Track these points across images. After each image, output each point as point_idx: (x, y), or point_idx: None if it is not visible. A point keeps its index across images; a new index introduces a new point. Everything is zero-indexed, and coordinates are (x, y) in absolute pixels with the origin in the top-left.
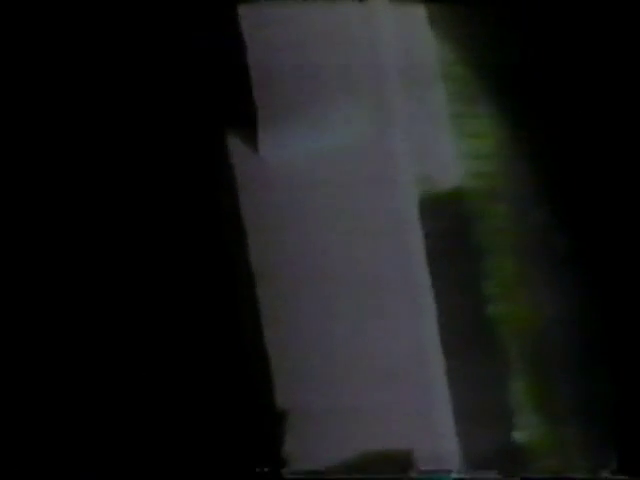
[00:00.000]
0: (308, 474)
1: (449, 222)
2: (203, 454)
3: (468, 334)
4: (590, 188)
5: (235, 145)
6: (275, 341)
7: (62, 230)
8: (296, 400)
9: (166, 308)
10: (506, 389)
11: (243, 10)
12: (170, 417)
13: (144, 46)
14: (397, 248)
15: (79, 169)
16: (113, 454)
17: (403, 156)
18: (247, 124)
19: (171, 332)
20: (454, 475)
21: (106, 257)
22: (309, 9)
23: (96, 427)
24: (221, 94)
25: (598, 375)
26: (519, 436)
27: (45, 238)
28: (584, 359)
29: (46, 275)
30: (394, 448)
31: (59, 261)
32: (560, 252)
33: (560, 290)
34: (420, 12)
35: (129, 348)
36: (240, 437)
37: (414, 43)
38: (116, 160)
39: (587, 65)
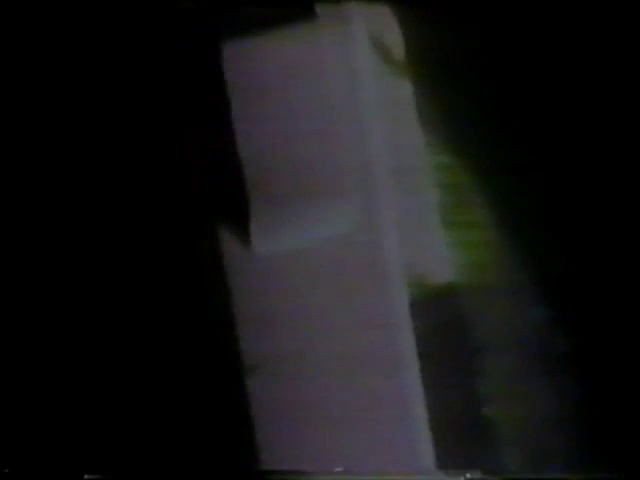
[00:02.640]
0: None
1: (441, 317)
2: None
3: (461, 432)
4: (589, 282)
5: (226, 238)
6: (265, 430)
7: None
8: None
9: (158, 393)
10: None
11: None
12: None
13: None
14: (388, 344)
15: (77, 259)
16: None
17: (394, 249)
18: (238, 218)
19: (165, 416)
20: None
21: (102, 346)
22: (299, 105)
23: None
24: (212, 187)
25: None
26: None
27: None
28: (580, 458)
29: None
30: None
31: None
32: (557, 349)
33: (557, 388)
34: (409, 103)
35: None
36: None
37: (403, 134)
38: (108, 250)
39: (579, 153)
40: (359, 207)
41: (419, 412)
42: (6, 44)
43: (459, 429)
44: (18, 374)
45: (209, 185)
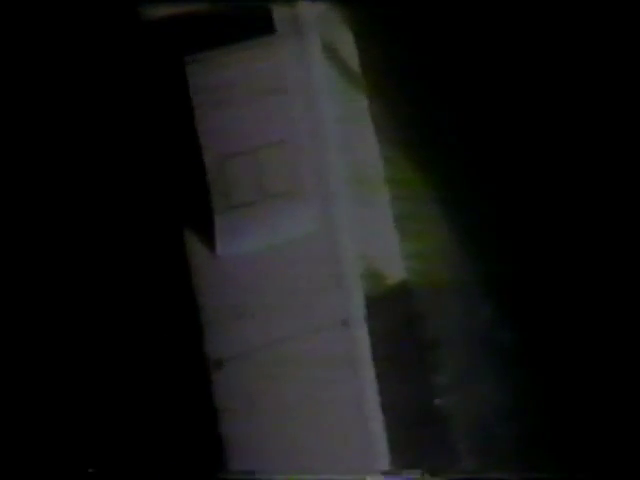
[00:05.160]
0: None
1: (394, 316)
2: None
3: (416, 426)
4: (535, 281)
5: (191, 241)
6: (229, 429)
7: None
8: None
9: (127, 392)
10: None
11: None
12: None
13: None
14: (344, 342)
15: (44, 261)
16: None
17: (349, 252)
18: (203, 221)
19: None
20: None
21: (71, 353)
22: (260, 114)
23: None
24: (177, 192)
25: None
26: None
27: None
28: (530, 448)
29: None
30: None
31: None
32: (505, 345)
33: (506, 382)
34: (364, 112)
35: None
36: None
37: (360, 142)
38: (76, 253)
39: (527, 163)
40: (318, 211)
41: (374, 408)
42: None
43: (413, 425)
44: None
45: (174, 190)
